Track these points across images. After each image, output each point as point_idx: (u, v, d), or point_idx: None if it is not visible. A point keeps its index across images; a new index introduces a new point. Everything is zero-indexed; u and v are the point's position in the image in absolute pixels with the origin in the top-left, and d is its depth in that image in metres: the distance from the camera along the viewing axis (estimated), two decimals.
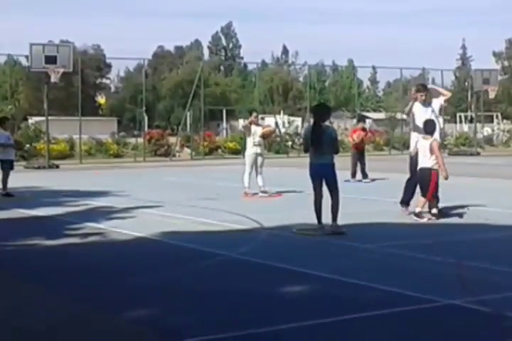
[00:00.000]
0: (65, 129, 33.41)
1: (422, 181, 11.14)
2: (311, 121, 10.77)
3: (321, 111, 10.46)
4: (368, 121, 51.59)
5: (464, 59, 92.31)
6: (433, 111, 11.92)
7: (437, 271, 7.50)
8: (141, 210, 12.66)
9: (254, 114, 15.74)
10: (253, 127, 15.29)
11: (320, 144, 10.03)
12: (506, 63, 56.18)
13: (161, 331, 5.51)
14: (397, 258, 8.25)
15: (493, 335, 5.24)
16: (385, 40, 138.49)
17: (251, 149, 15.19)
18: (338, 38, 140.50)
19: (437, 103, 12.07)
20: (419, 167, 11.19)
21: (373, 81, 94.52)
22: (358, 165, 19.03)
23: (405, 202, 11.87)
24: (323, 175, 10.05)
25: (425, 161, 10.99)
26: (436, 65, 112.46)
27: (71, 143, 32.04)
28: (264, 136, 15.43)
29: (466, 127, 51.85)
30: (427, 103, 11.94)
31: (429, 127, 11.23)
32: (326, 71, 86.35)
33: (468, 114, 54.12)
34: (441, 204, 11.62)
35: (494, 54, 56.18)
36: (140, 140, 34.30)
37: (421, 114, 11.75)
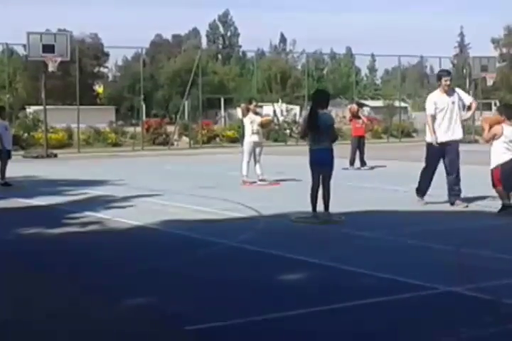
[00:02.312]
0: (63, 118, 33.32)
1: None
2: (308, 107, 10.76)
3: (319, 98, 10.45)
4: (365, 108, 51.61)
5: (462, 46, 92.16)
6: (454, 102, 11.25)
7: (436, 259, 7.51)
8: (140, 199, 12.66)
9: (254, 103, 15.73)
10: (252, 115, 15.28)
11: (317, 130, 10.03)
12: (505, 50, 56.04)
13: (161, 319, 5.53)
14: (396, 246, 8.27)
15: (492, 322, 5.26)
16: (383, 28, 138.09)
17: (249, 138, 15.19)
18: (336, 26, 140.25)
19: (464, 97, 11.58)
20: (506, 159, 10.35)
21: (371, 69, 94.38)
22: (357, 153, 19.03)
23: (422, 191, 11.51)
24: (321, 161, 10.04)
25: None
26: (434, 52, 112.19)
27: (69, 132, 31.98)
28: (262, 125, 15.44)
29: (464, 114, 51.80)
30: (450, 90, 11.31)
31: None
32: (324, 59, 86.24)
33: None
34: (440, 192, 11.62)
35: (493, 41, 56.07)
36: (138, 129, 34.23)
37: (441, 103, 11.19)
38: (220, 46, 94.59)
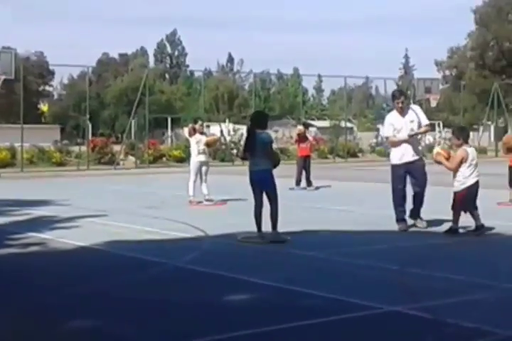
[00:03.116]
0: (7, 137, 32.84)
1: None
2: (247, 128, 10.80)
3: (257, 119, 10.50)
4: (312, 129, 51.94)
5: (407, 68, 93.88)
6: (412, 121, 11.02)
7: (380, 278, 7.57)
8: (85, 219, 12.50)
9: (200, 122, 15.75)
10: (198, 135, 15.28)
11: (254, 150, 10.07)
12: (448, 72, 57.18)
13: None
14: (341, 266, 8.31)
15: None
16: (330, 49, 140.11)
17: (196, 157, 15.17)
18: (284, 47, 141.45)
19: (421, 117, 11.18)
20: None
21: (318, 89, 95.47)
22: (303, 173, 19.11)
23: (400, 217, 11.08)
24: (260, 182, 10.07)
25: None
26: (379, 73, 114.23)
27: (12, 151, 31.44)
28: (208, 145, 15.45)
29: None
30: (406, 110, 11.11)
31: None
32: (271, 79, 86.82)
33: None
34: (386, 212, 11.73)
35: (436, 63, 57.13)
36: (84, 148, 33.90)
37: (398, 124, 10.98)
38: (168, 65, 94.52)
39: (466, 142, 10.51)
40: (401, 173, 10.98)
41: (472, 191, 10.32)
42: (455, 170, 10.36)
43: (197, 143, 15.17)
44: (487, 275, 7.57)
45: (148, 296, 6.84)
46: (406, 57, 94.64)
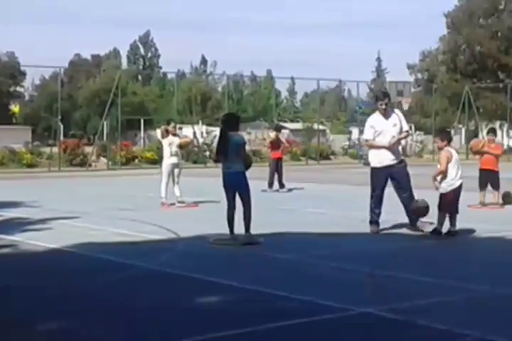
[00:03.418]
0: None
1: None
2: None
3: (229, 120, 10.50)
4: (285, 131, 52.08)
5: (379, 71, 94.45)
6: (395, 125, 10.85)
7: (352, 280, 7.61)
8: (56, 221, 12.41)
9: (172, 124, 15.71)
10: (171, 137, 15.24)
11: (227, 153, 10.08)
12: (420, 75, 57.61)
13: None
14: (313, 268, 8.34)
15: None
16: (304, 52, 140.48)
17: (168, 159, 15.13)
18: (257, 49, 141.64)
19: (403, 122, 11.03)
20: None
21: (291, 92, 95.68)
22: (276, 175, 19.13)
23: (374, 220, 11.04)
24: (234, 184, 10.09)
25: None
26: (352, 76, 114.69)
27: None
28: (181, 147, 15.42)
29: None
30: (389, 112, 10.92)
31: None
32: (244, 81, 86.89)
33: None
34: (358, 214, 11.78)
35: (408, 66, 57.51)
36: (55, 149, 33.64)
37: (379, 126, 10.82)
38: (141, 67, 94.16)
39: (449, 144, 10.62)
40: (381, 176, 10.88)
41: (458, 193, 10.46)
42: (445, 172, 10.39)
43: (169, 145, 15.14)
44: (457, 277, 7.65)
45: (120, 298, 6.82)
46: (378, 60, 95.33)
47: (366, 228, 11.17)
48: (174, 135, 15.51)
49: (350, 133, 55.17)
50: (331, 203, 15.85)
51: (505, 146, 38.82)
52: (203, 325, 5.84)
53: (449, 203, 10.38)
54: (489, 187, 14.57)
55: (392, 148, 10.88)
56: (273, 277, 7.80)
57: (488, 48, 50.59)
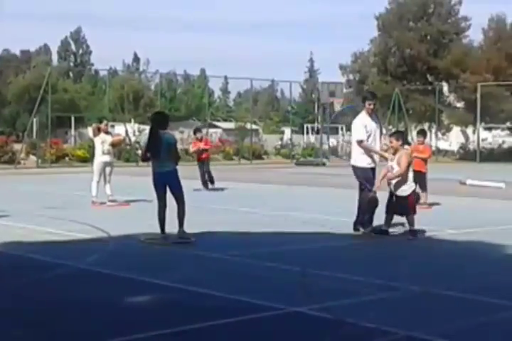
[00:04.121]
0: None
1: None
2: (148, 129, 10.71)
3: (159, 119, 10.45)
4: (218, 130, 52.07)
5: (312, 71, 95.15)
6: (378, 127, 10.77)
7: (283, 279, 7.66)
8: None
9: (105, 122, 15.55)
10: (103, 135, 15.07)
11: (159, 152, 10.03)
12: (352, 76, 58.27)
13: None
14: (244, 267, 8.36)
15: None
16: (237, 51, 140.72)
17: (100, 157, 14.96)
18: (191, 48, 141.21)
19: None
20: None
21: (225, 91, 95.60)
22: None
23: (369, 221, 10.70)
24: (166, 183, 10.05)
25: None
26: (285, 76, 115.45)
27: None
28: (113, 145, 15.27)
29: (312, 138, 53.37)
30: (374, 115, 10.80)
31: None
32: (177, 80, 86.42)
33: (315, 125, 55.73)
34: (291, 213, 11.85)
35: (340, 67, 58.11)
36: None
37: (369, 127, 10.57)
38: (72, 64, 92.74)
39: (403, 144, 10.61)
40: (371, 174, 10.64)
41: (414, 196, 10.67)
42: (405, 174, 10.36)
43: (102, 143, 14.96)
44: (387, 276, 7.76)
45: (48, 297, 6.72)
46: (311, 60, 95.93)
47: (299, 227, 11.26)
48: (106, 133, 15.35)
49: (282, 133, 55.49)
50: (263, 202, 15.91)
51: (433, 148, 39.65)
52: (134, 325, 5.79)
53: (413, 204, 10.53)
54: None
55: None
56: (205, 276, 7.80)
57: (418, 51, 51.48)
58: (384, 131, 10.93)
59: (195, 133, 20.21)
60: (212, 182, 18.97)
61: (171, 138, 10.32)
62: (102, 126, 15.30)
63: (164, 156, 10.02)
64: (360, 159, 10.65)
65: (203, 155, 19.44)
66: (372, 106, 10.59)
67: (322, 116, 44.46)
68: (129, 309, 6.38)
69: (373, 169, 10.74)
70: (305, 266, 8.25)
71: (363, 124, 10.65)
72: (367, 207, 10.56)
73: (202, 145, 19.46)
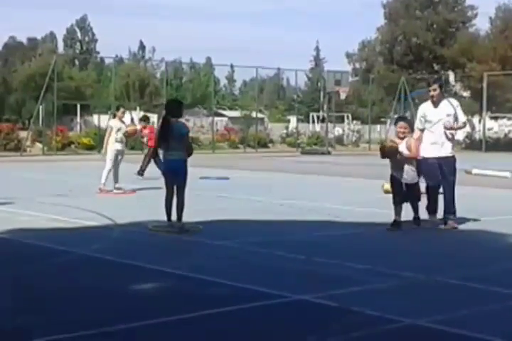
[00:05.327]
0: None
1: None
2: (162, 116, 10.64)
3: (172, 107, 10.35)
4: (223, 119, 52.02)
5: (317, 60, 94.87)
6: (449, 115, 10.07)
7: (289, 267, 7.67)
8: None
9: (121, 110, 15.55)
10: (119, 123, 15.07)
11: (169, 140, 9.96)
12: (358, 65, 58.13)
13: (9, 331, 5.33)
14: (250, 255, 8.37)
15: (339, 329, 5.41)
16: (243, 40, 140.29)
17: (113, 145, 14.92)
18: (197, 36, 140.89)
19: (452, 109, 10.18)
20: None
21: (230, 79, 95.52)
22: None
23: (433, 208, 10.53)
24: (175, 171, 10.01)
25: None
26: (290, 65, 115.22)
27: None
28: (127, 134, 15.17)
29: (318, 127, 53.32)
30: (438, 102, 10.13)
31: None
32: (183, 68, 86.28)
33: (321, 114, 55.65)
34: (296, 202, 11.85)
35: (347, 55, 57.96)
36: None
37: (430, 116, 10.13)
38: (78, 51, 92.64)
39: (412, 131, 10.38)
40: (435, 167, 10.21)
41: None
42: (417, 157, 10.20)
43: (116, 131, 14.92)
44: (394, 265, 7.75)
45: (55, 285, 6.74)
46: (317, 49, 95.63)
47: (304, 216, 11.26)
48: (122, 122, 15.33)
49: (288, 121, 55.42)
50: (268, 191, 15.92)
51: None
52: (138, 311, 5.81)
53: (420, 191, 10.50)
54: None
55: (440, 139, 10.21)
56: (209, 264, 7.81)
57: (424, 40, 51.35)
58: (460, 118, 10.23)
59: (143, 121, 20.17)
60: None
61: (184, 127, 10.23)
62: (119, 113, 15.29)
63: (175, 145, 9.95)
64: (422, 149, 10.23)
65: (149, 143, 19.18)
66: (432, 93, 10.04)
67: (327, 105, 44.37)
68: (136, 296, 6.41)
69: (439, 158, 10.21)
70: (310, 254, 8.26)
71: (420, 114, 10.40)
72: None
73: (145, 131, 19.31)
